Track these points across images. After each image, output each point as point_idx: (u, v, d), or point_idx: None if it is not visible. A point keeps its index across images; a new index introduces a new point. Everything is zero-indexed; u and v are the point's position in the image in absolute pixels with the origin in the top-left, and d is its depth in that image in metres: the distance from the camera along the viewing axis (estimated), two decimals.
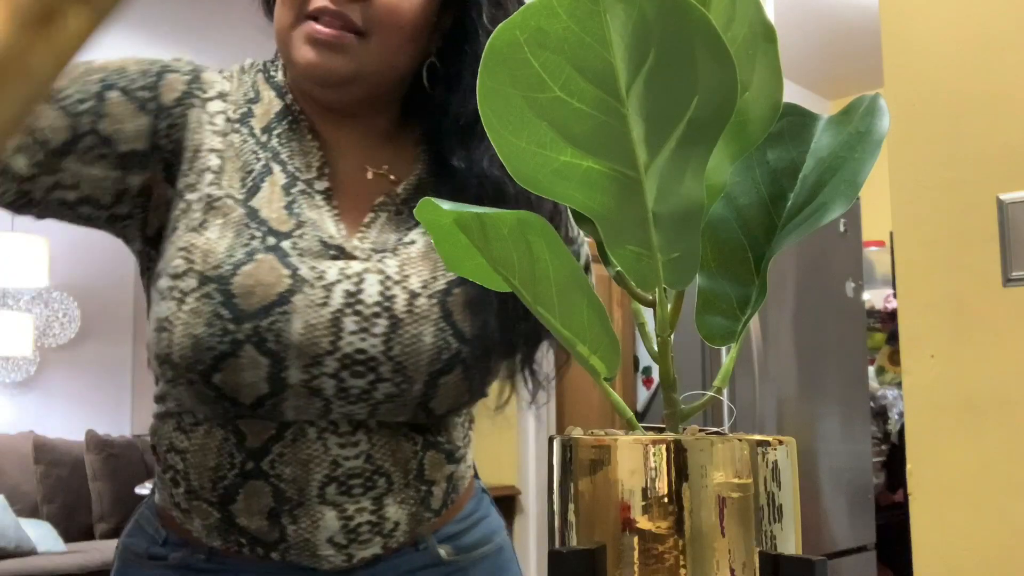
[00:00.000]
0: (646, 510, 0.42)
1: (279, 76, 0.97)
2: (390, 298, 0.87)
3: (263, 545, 0.87)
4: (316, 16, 0.87)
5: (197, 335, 0.82)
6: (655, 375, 3.47)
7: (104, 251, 4.44)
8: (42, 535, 4.18)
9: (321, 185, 0.92)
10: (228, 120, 0.92)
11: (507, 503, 3.66)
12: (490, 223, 0.44)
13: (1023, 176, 1.58)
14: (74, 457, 4.68)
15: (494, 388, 0.98)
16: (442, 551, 0.94)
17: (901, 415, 3.50)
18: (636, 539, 0.42)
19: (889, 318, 3.82)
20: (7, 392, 5.08)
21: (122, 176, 0.88)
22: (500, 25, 0.42)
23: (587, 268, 1.01)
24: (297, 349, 0.83)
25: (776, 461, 0.45)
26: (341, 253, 0.89)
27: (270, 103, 0.95)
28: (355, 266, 0.88)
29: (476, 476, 1.04)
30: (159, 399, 0.92)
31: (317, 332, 0.84)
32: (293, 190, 0.90)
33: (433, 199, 0.44)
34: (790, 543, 0.45)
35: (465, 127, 0.93)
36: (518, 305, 0.79)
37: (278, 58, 0.98)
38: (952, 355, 1.62)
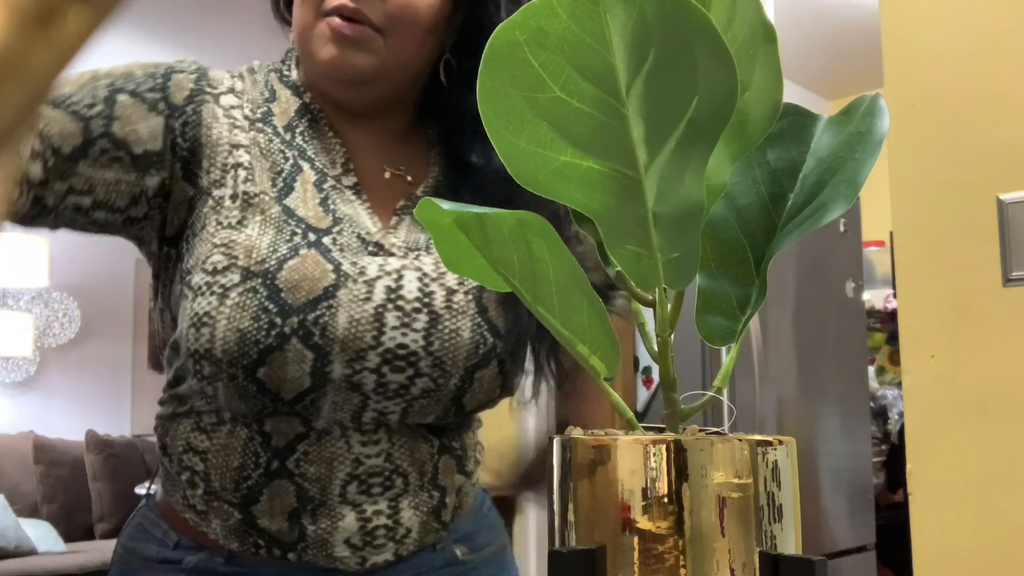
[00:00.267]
0: (646, 510, 0.42)
1: (293, 75, 0.98)
2: (429, 294, 0.88)
3: (280, 546, 0.87)
4: (335, 13, 0.88)
5: (243, 329, 0.82)
6: (655, 375, 3.47)
7: (104, 251, 4.45)
8: (42, 535, 4.18)
9: (349, 181, 0.93)
10: (247, 118, 0.93)
11: (507, 503, 3.65)
12: (490, 223, 0.44)
13: (1023, 176, 1.58)
14: (74, 457, 4.68)
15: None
16: (458, 551, 0.95)
17: (901, 415, 3.50)
18: (636, 539, 0.42)
19: (889, 318, 3.82)
20: (7, 392, 5.08)
21: (138, 178, 0.87)
22: (500, 25, 0.42)
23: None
24: (342, 343, 0.84)
25: (776, 461, 0.45)
26: (380, 249, 0.90)
27: (288, 102, 0.96)
28: (393, 262, 0.89)
29: None
30: (175, 399, 0.91)
31: (361, 327, 0.85)
32: (324, 186, 0.91)
33: (433, 199, 0.44)
34: (790, 543, 0.45)
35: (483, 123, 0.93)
36: None
37: (289, 58, 0.99)
38: (952, 355, 1.62)
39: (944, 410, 1.62)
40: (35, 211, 0.84)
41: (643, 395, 3.60)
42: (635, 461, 0.43)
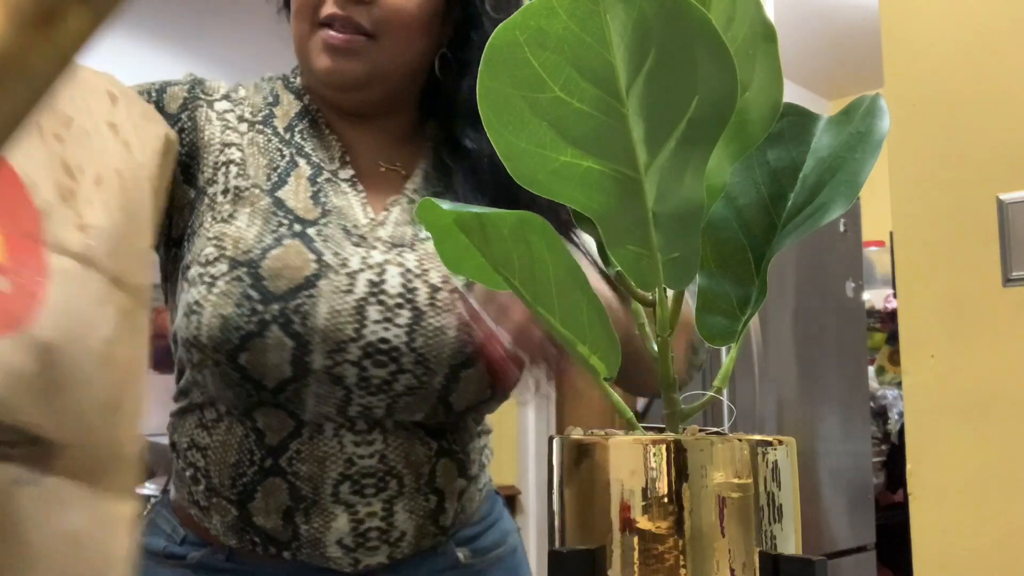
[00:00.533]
0: (646, 510, 0.42)
1: (297, 82, 1.01)
2: (412, 290, 0.88)
3: (276, 544, 0.88)
4: (329, 23, 0.91)
5: (226, 315, 0.83)
6: None
7: None
8: None
9: (346, 174, 0.95)
10: (244, 120, 0.96)
11: (507, 503, 3.65)
12: (490, 223, 0.44)
13: (1023, 176, 1.58)
14: None
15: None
16: (460, 554, 0.95)
17: (901, 415, 3.50)
18: (636, 539, 0.42)
19: (889, 318, 3.82)
20: None
21: None
22: (500, 25, 0.42)
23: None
24: (322, 333, 0.84)
25: (776, 461, 0.45)
26: (362, 241, 0.90)
27: (289, 105, 0.99)
28: (376, 256, 0.90)
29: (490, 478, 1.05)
30: (182, 393, 0.93)
31: (342, 318, 0.85)
32: (319, 179, 0.93)
33: (433, 199, 0.44)
34: (790, 543, 0.45)
35: (476, 109, 0.94)
36: None
37: (298, 67, 1.02)
38: (952, 355, 1.62)
39: (944, 410, 1.62)
40: None
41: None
42: (635, 461, 0.43)
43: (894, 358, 3.81)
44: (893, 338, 3.69)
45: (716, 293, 0.52)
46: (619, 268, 0.48)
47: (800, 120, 0.54)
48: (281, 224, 0.88)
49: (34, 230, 0.49)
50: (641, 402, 3.58)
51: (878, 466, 3.67)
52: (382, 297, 0.87)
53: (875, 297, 3.91)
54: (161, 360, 0.92)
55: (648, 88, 0.42)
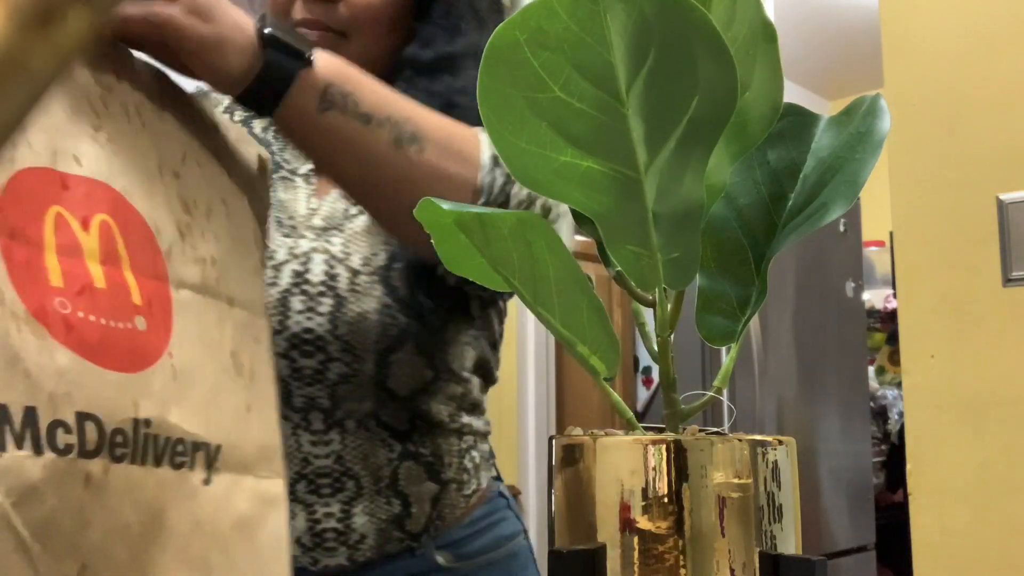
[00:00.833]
0: (646, 510, 0.42)
1: None
2: (334, 276, 0.88)
3: None
4: (300, 26, 0.91)
5: None
6: (655, 375, 3.47)
7: None
8: None
9: (305, 168, 0.96)
10: (233, 120, 0.96)
11: None
12: (490, 223, 0.44)
13: (1023, 176, 1.58)
14: None
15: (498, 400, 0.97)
16: (440, 557, 0.93)
17: (901, 415, 3.49)
18: (636, 539, 0.42)
19: (889, 318, 3.82)
20: None
21: None
22: (500, 25, 0.42)
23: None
24: None
25: (776, 461, 0.45)
26: (292, 231, 0.91)
27: None
28: (303, 244, 0.90)
29: (498, 479, 1.03)
30: None
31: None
32: (274, 176, 0.94)
33: (433, 199, 0.44)
34: (790, 543, 0.45)
35: (419, 70, 0.94)
36: None
37: None
38: (952, 355, 1.62)
39: (944, 410, 1.62)
40: None
41: (643, 395, 3.60)
42: (635, 461, 0.43)
43: (894, 358, 3.80)
44: (893, 338, 3.69)
45: (716, 293, 0.52)
46: (619, 268, 0.48)
47: (800, 120, 0.54)
48: None
49: (161, 272, 0.57)
50: (641, 402, 3.58)
51: (878, 466, 3.67)
52: (305, 287, 0.88)
53: (875, 297, 3.91)
54: None
55: (648, 88, 0.42)
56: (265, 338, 0.67)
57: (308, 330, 0.87)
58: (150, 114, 0.61)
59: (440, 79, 0.93)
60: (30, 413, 0.47)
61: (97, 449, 0.49)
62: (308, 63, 0.72)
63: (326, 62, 0.73)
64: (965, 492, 1.59)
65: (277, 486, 0.65)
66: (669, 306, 0.48)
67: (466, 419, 0.97)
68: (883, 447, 3.73)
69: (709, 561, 0.42)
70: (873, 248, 4.04)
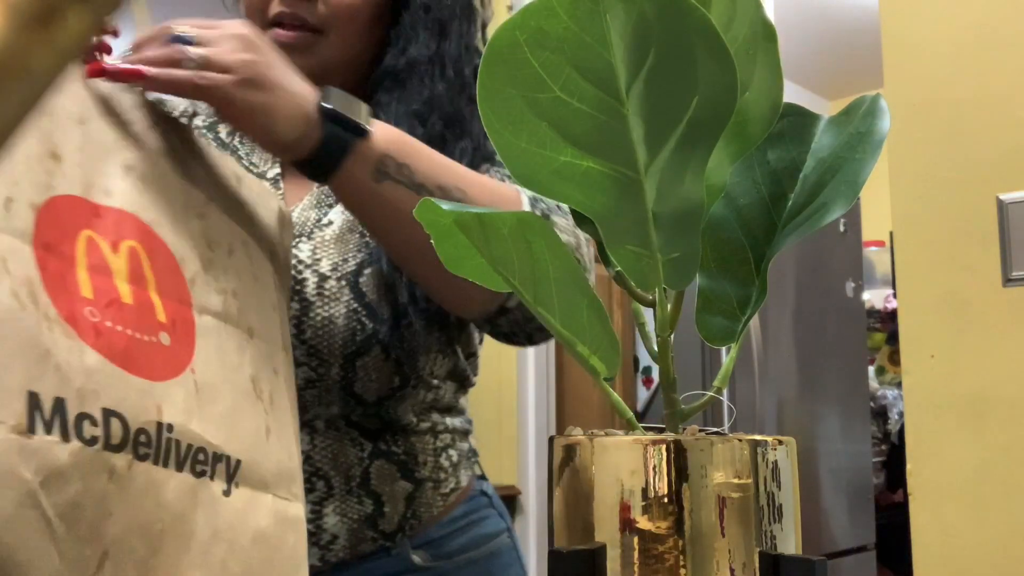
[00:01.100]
0: (646, 510, 0.42)
1: None
2: (301, 282, 0.88)
3: None
4: (278, 22, 0.91)
5: None
6: (655, 375, 3.47)
7: None
8: None
9: (273, 172, 0.95)
10: (196, 128, 0.95)
11: (507, 503, 3.64)
12: (490, 223, 0.44)
13: (1023, 176, 1.58)
14: None
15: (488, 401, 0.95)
16: (416, 557, 0.92)
17: (901, 415, 3.49)
18: (636, 539, 0.42)
19: (889, 318, 3.82)
20: None
21: None
22: (500, 25, 0.42)
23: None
24: None
25: (776, 461, 0.45)
26: None
27: None
28: None
29: (482, 477, 1.02)
30: None
31: None
32: None
33: (432, 200, 0.44)
34: (790, 543, 0.45)
35: (394, 75, 0.95)
36: None
37: None
38: (952, 355, 1.62)
39: (944, 410, 1.62)
40: None
41: (643, 395, 3.60)
42: (635, 461, 0.43)
43: (894, 358, 3.80)
44: (893, 338, 3.69)
45: (716, 293, 0.52)
46: (619, 268, 0.48)
47: (800, 120, 0.54)
48: None
49: (184, 297, 0.61)
50: (641, 402, 3.58)
51: (878, 466, 3.67)
52: None
53: (875, 297, 3.91)
54: None
55: (648, 88, 0.42)
56: (284, 371, 0.69)
57: None
58: (179, 161, 0.66)
59: (410, 86, 0.93)
60: (59, 403, 0.49)
61: (121, 444, 0.51)
62: (365, 134, 0.74)
63: (384, 132, 0.76)
64: (965, 492, 1.59)
65: (297, 509, 0.67)
66: (669, 306, 0.48)
67: (439, 419, 0.96)
68: (883, 447, 3.73)
69: (709, 561, 0.42)
70: (873, 248, 4.04)
